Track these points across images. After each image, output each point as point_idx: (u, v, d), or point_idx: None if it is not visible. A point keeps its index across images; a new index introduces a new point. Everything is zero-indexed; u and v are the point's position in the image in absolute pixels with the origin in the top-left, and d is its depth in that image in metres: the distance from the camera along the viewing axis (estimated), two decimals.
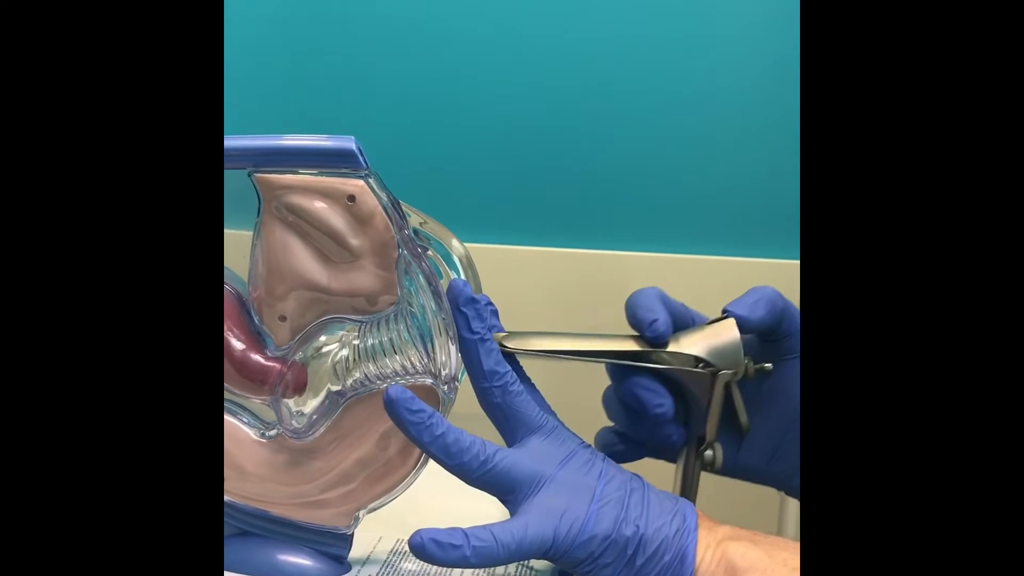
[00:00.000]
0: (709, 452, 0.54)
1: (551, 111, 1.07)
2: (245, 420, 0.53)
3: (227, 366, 0.51)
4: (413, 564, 0.55)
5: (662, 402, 0.52)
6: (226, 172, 0.49)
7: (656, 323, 0.51)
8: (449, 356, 0.49)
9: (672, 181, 1.08)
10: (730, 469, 0.56)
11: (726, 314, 0.52)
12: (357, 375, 0.50)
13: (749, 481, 0.57)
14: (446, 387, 0.50)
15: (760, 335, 0.54)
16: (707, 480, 0.56)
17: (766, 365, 0.53)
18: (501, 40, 1.04)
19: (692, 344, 0.52)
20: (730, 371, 0.52)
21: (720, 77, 1.05)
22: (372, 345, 0.50)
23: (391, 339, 0.49)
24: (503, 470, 0.47)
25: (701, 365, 0.51)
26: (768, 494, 0.53)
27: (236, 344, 0.51)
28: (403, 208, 0.50)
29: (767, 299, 0.53)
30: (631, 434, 0.55)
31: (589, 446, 0.51)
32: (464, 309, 0.49)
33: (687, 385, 0.53)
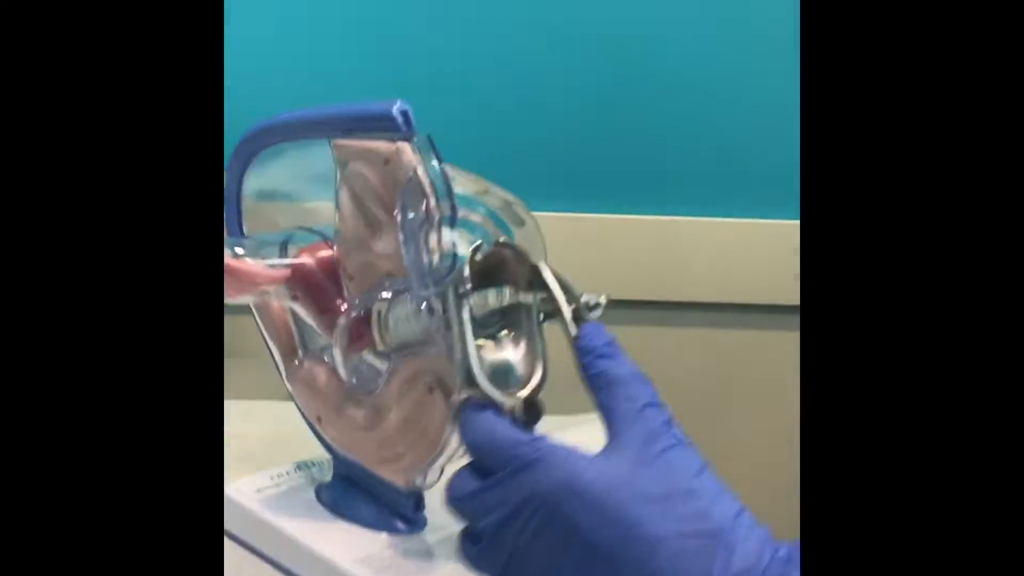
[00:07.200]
0: None
1: (597, 77, 0.99)
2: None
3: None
4: None
5: None
6: (316, 144, 0.54)
7: None
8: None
9: (724, 144, 1.00)
10: None
11: None
12: (389, 340, 0.51)
13: None
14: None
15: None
16: None
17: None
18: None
19: None
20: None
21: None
22: (396, 314, 0.50)
23: (406, 313, 0.49)
24: None
25: None
26: None
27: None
28: (450, 173, 0.49)
29: None
30: None
31: None
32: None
33: None
